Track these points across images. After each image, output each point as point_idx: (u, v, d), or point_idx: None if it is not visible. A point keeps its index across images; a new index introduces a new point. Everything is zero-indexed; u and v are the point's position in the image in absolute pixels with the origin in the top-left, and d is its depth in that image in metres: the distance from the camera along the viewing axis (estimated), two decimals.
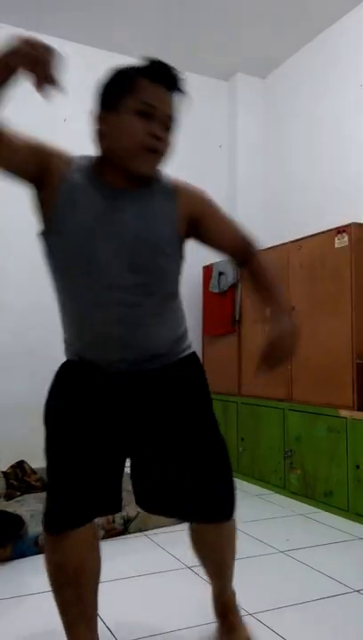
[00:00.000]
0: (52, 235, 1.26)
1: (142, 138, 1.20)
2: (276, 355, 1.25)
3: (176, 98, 1.27)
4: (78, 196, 1.23)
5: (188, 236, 1.35)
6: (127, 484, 3.00)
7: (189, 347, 1.42)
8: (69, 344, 1.39)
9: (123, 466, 1.38)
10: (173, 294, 1.35)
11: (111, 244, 1.23)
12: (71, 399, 1.32)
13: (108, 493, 1.34)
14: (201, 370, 1.44)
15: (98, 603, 1.35)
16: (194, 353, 1.43)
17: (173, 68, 1.25)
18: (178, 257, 1.33)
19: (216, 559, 1.46)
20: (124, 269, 1.23)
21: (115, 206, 1.24)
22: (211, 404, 1.42)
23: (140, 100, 1.20)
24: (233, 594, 1.53)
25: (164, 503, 1.37)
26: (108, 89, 1.24)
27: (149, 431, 1.33)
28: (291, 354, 1.28)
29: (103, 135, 1.25)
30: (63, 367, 1.41)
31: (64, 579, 1.31)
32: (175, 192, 1.34)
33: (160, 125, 1.22)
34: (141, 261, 1.24)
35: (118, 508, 1.38)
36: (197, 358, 1.45)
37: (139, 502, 1.40)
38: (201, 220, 1.34)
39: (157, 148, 1.23)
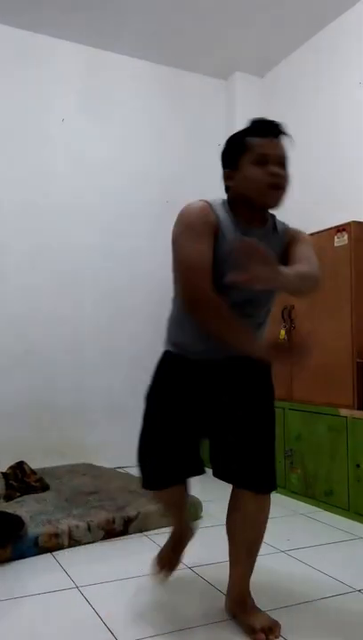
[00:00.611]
0: (217, 262, 1.50)
1: (265, 179, 1.49)
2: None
3: (284, 141, 1.56)
4: (227, 235, 1.53)
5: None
6: (129, 485, 3.00)
7: None
8: (179, 343, 1.65)
9: (201, 441, 1.68)
10: (270, 309, 1.67)
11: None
12: (174, 387, 1.63)
13: (194, 462, 1.67)
14: (268, 367, 1.67)
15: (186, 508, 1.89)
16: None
17: (273, 120, 1.57)
18: None
19: (249, 535, 1.63)
20: (249, 290, 1.44)
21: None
22: (272, 395, 1.68)
23: (254, 153, 1.50)
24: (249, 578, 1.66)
25: (225, 471, 1.64)
26: (228, 153, 1.58)
27: (222, 412, 1.61)
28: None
29: (232, 187, 1.58)
30: (166, 357, 1.68)
31: (164, 507, 1.98)
32: (285, 230, 1.66)
33: (277, 165, 1.51)
34: None
35: (202, 471, 1.70)
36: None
37: (214, 472, 1.68)
38: (289, 247, 1.62)
39: (278, 183, 1.51)
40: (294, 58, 3.95)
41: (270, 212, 1.63)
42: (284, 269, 1.41)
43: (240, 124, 4.95)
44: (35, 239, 3.69)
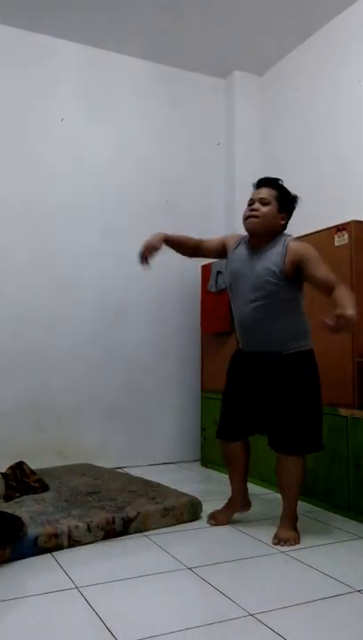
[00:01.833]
0: (226, 274, 2.50)
1: (245, 214, 2.36)
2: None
3: (267, 187, 2.35)
4: (236, 256, 2.41)
5: (296, 274, 2.25)
6: (129, 485, 2.99)
7: (303, 345, 2.33)
8: (237, 337, 2.49)
9: (261, 408, 2.36)
10: (283, 309, 2.29)
11: (246, 279, 2.32)
12: (236, 367, 2.47)
13: (253, 424, 2.40)
14: (308, 360, 2.34)
15: (247, 471, 2.53)
16: (307, 350, 2.34)
17: (266, 178, 2.41)
18: (283, 285, 2.26)
19: (283, 481, 2.34)
20: (250, 288, 2.30)
21: (251, 256, 2.35)
22: (307, 381, 2.31)
23: (249, 199, 2.39)
24: (290, 514, 2.33)
25: (269, 436, 2.37)
26: None
27: (266, 388, 2.34)
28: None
29: None
30: (235, 351, 2.52)
31: (226, 461, 2.53)
32: (286, 246, 2.26)
33: (257, 203, 2.32)
34: (258, 283, 2.28)
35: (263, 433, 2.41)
36: (308, 353, 2.34)
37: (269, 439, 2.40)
38: (301, 264, 2.23)
39: (251, 215, 2.31)
40: (294, 56, 3.95)
41: (284, 234, 2.35)
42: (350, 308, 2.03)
43: (240, 123, 5.00)
44: (34, 239, 3.68)
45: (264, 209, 2.28)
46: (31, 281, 3.64)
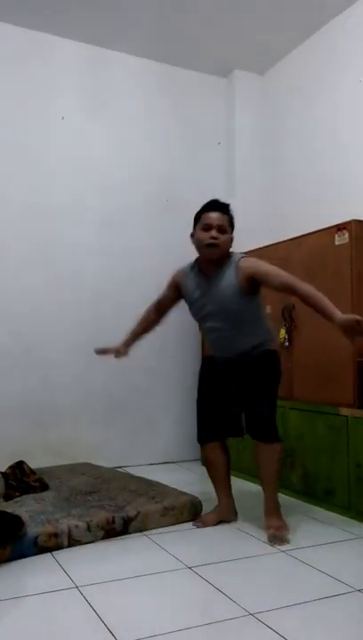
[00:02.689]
0: (187, 304, 2.53)
1: (206, 240, 2.33)
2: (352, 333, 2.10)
3: (223, 213, 2.35)
4: (191, 286, 2.47)
5: (253, 287, 2.34)
6: (129, 484, 2.99)
7: (267, 348, 2.44)
8: (207, 348, 2.64)
9: (236, 409, 2.48)
10: (247, 321, 2.40)
11: (208, 303, 2.40)
12: (208, 372, 2.57)
13: (228, 424, 2.52)
14: (271, 359, 2.44)
15: (230, 478, 2.57)
16: (270, 350, 2.45)
17: (219, 201, 2.39)
18: (243, 302, 2.34)
19: (263, 471, 2.42)
20: (215, 314, 2.39)
21: (206, 284, 2.40)
22: (273, 377, 2.44)
23: (203, 222, 2.36)
24: (276, 502, 2.42)
25: (247, 427, 2.47)
26: (194, 220, 2.41)
27: (237, 388, 2.44)
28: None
29: (195, 244, 2.41)
30: (205, 357, 2.68)
31: (207, 464, 2.59)
32: (237, 266, 2.33)
33: (215, 231, 2.32)
34: (220, 308, 2.37)
35: (240, 434, 2.54)
36: (271, 353, 2.45)
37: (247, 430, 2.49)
38: (258, 278, 2.31)
39: (213, 243, 2.32)
40: (294, 56, 3.95)
41: (231, 253, 2.38)
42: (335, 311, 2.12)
43: (240, 122, 4.99)
44: (33, 238, 3.67)
45: (223, 237, 2.33)
46: (31, 280, 3.63)
